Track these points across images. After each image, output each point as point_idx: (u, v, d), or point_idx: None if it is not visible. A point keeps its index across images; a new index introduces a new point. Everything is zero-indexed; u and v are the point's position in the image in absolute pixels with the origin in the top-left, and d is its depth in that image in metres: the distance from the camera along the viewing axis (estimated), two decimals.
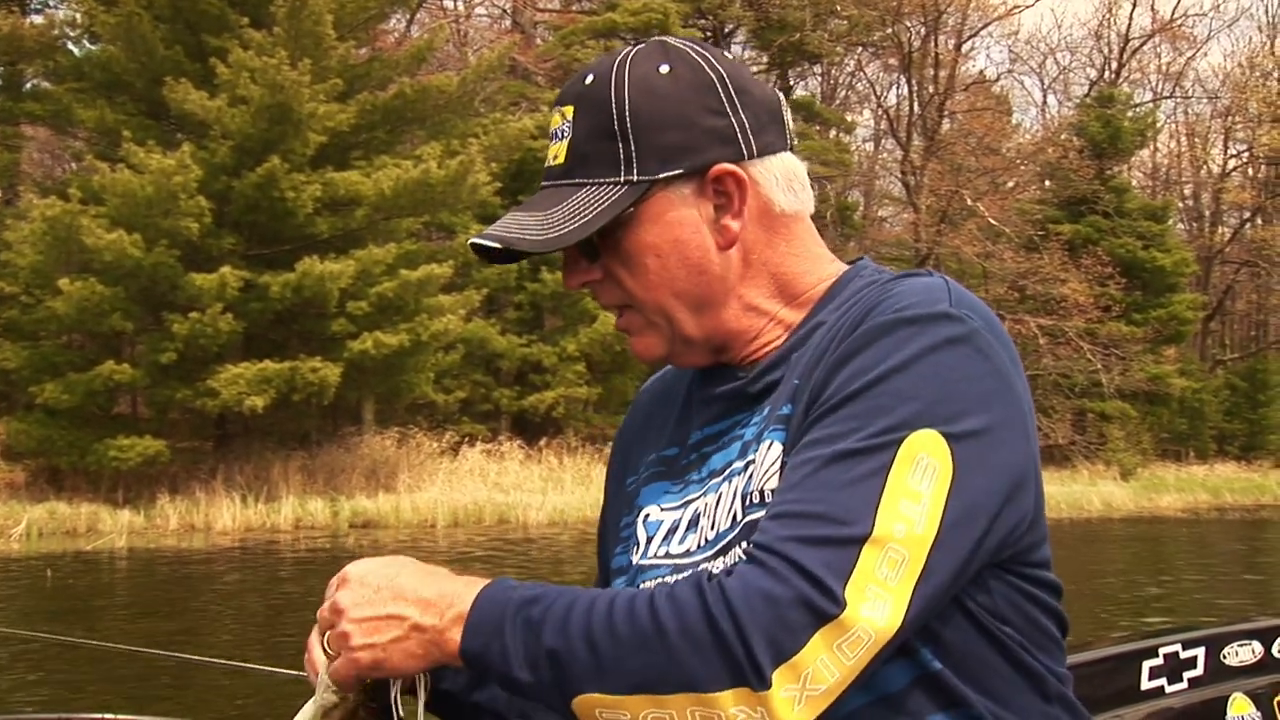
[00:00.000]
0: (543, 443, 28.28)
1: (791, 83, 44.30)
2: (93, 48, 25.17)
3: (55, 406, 21.27)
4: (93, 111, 23.17)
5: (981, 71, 46.94)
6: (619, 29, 32.82)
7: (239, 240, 22.52)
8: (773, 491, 1.28)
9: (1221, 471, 40.29)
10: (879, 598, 1.15)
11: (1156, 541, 25.09)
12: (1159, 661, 3.26)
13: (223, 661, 4.51)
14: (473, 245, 1.48)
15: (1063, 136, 42.74)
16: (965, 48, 45.39)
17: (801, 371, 1.34)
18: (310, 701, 1.37)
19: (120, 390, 22.85)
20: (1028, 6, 51.92)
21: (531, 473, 27.05)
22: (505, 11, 38.71)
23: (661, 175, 1.37)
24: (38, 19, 26.96)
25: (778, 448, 1.31)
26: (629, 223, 1.38)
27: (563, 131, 1.41)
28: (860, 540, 1.16)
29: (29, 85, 26.89)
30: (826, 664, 1.13)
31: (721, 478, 1.39)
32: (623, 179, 1.37)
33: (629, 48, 1.43)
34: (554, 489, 25.99)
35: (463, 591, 1.26)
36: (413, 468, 25.32)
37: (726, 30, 39.80)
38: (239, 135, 21.75)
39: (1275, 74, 49.94)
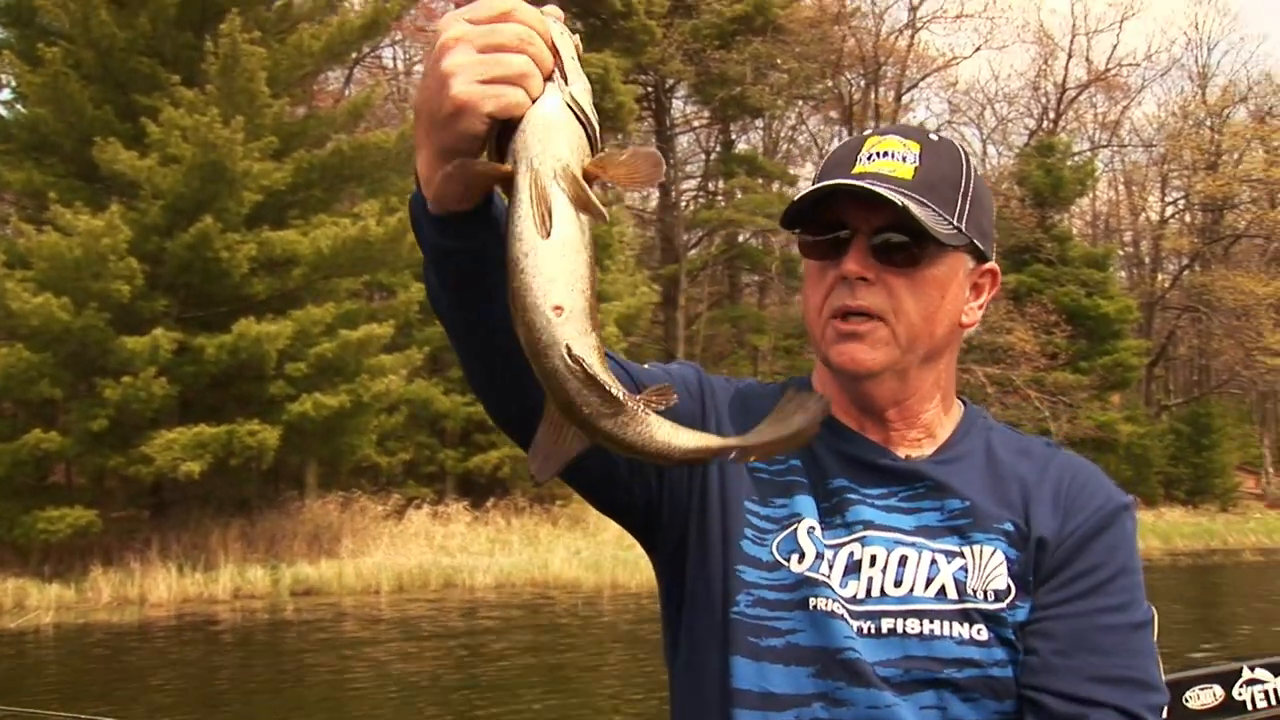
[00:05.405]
0: (489, 504, 27.80)
1: (734, 137, 44.45)
2: (21, 110, 24.61)
3: None
4: (20, 173, 22.58)
5: (922, 123, 47.24)
6: None
7: (172, 302, 21.96)
8: (997, 592, 1.54)
9: (1170, 517, 40.38)
10: None
11: None
12: None
13: None
14: (854, 187, 1.55)
15: (1004, 186, 43.03)
16: (905, 99, 45.82)
17: (1020, 492, 1.60)
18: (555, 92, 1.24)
19: (50, 459, 22.11)
20: (965, 58, 52.62)
21: (478, 534, 26.53)
22: None
23: (974, 240, 1.60)
24: None
25: (1000, 555, 1.55)
26: (940, 258, 1.57)
27: (904, 156, 1.58)
28: (1165, 705, 1.58)
29: None
30: None
31: (885, 535, 1.57)
32: (953, 223, 1.57)
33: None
34: (501, 550, 25.48)
35: None
36: (356, 532, 24.73)
37: (668, 86, 39.84)
38: (171, 195, 21.26)
39: (1208, 122, 50.72)
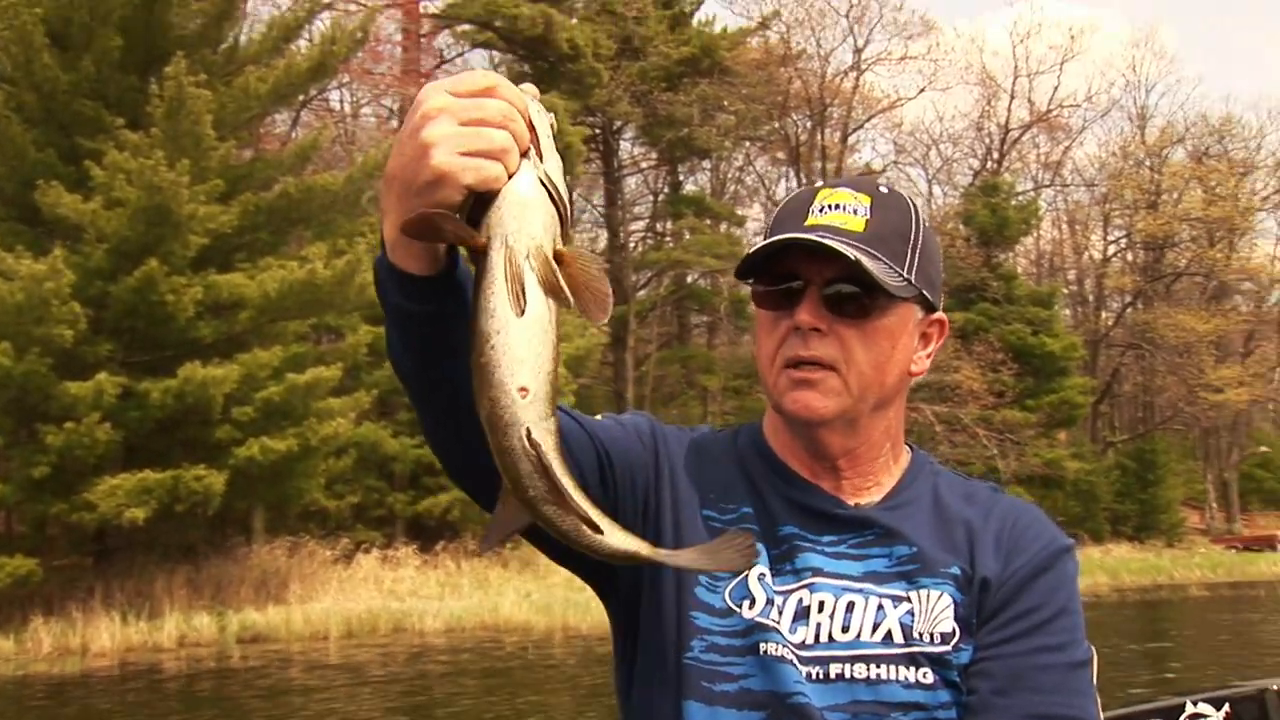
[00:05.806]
0: (439, 547, 27.60)
1: (681, 178, 44.68)
2: None
3: None
4: None
5: (868, 164, 47.76)
6: None
7: (117, 347, 21.69)
8: (943, 635, 1.56)
9: (1117, 553, 40.78)
10: None
11: None
12: None
13: None
14: (805, 240, 1.58)
15: (949, 225, 43.51)
16: (851, 140, 46.27)
17: (966, 536, 1.64)
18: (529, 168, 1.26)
19: None
20: (909, 100, 53.28)
21: (428, 578, 26.33)
22: (392, 111, 38.55)
23: (923, 291, 1.63)
24: None
25: (948, 599, 1.58)
26: (890, 308, 1.61)
27: (855, 209, 1.61)
28: None
29: None
30: None
31: (833, 582, 1.60)
32: (903, 275, 1.60)
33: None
34: (451, 594, 25.28)
35: None
36: (304, 577, 24.45)
37: (615, 127, 40.04)
38: (115, 238, 21.06)
39: (1147, 162, 51.59)
